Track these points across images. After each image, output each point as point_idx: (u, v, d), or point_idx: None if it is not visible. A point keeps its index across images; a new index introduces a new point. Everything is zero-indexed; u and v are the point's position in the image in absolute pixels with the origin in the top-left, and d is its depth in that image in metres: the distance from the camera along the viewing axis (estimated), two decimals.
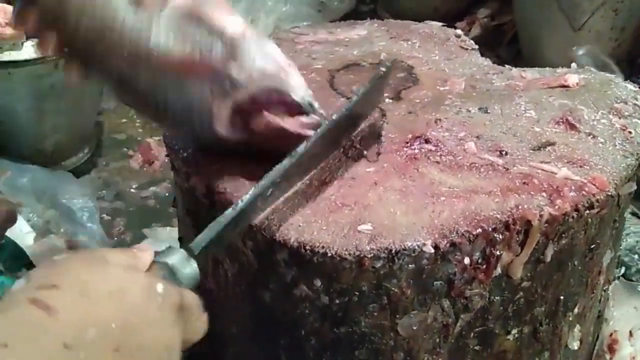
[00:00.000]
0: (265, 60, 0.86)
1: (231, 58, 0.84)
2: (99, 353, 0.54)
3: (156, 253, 0.66)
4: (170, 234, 1.69)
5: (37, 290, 0.55)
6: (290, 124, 0.86)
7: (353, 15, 2.66)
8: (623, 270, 1.24)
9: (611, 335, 1.14)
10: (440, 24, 1.34)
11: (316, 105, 0.88)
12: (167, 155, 1.06)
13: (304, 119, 0.87)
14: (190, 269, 0.67)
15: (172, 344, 0.61)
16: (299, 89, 0.87)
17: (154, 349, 0.58)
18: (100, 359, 0.54)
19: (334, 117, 0.86)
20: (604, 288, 1.05)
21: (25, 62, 1.68)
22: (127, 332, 0.56)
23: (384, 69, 0.95)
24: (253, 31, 0.88)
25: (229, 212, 0.73)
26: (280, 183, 0.79)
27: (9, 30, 1.60)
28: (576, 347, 0.99)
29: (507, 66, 1.17)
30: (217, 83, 0.85)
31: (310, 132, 0.85)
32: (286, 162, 0.79)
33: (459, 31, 1.30)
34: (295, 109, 0.87)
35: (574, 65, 1.17)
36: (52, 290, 0.55)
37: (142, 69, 0.82)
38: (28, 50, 1.69)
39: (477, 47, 1.24)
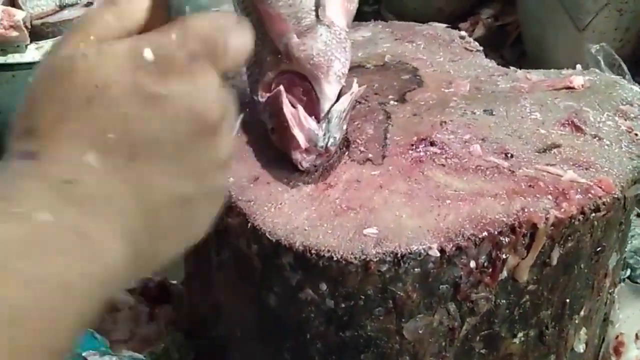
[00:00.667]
0: (322, 46, 0.88)
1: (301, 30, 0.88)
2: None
3: None
4: None
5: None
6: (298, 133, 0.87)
7: (356, 16, 2.65)
8: (629, 272, 1.23)
9: (617, 337, 1.14)
10: (445, 25, 1.33)
11: (333, 124, 0.88)
12: None
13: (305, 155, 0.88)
14: None
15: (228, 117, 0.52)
16: (326, 100, 0.88)
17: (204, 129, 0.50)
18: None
19: None
20: (610, 291, 1.05)
21: (29, 65, 1.68)
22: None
23: None
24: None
25: None
26: None
27: (13, 33, 1.60)
28: (582, 350, 0.99)
29: (512, 68, 1.17)
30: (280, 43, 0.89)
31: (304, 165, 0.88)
32: None
33: (463, 33, 1.29)
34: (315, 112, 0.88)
35: (579, 66, 1.17)
36: (30, 136, 0.48)
37: None
38: (32, 53, 1.69)
39: (481, 48, 1.24)
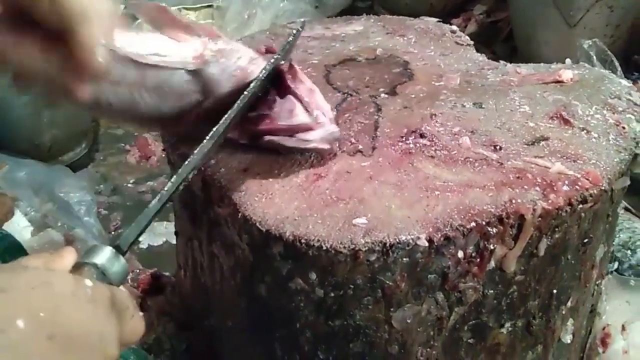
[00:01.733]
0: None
1: None
2: (33, 341, 0.52)
3: (84, 254, 0.65)
4: (167, 228, 1.70)
5: None
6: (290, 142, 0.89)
7: (350, 11, 2.67)
8: (616, 265, 1.25)
9: (604, 329, 1.15)
10: (436, 19, 1.34)
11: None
12: (163, 150, 1.07)
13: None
14: (119, 266, 0.65)
15: (107, 337, 0.58)
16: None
17: (88, 339, 0.56)
18: (35, 347, 0.52)
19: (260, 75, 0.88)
20: (597, 282, 1.06)
21: None
22: (58, 321, 0.55)
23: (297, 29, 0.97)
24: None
25: (154, 205, 0.72)
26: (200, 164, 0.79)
27: None
28: (569, 341, 1.00)
29: (501, 62, 1.17)
30: None
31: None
32: (198, 154, 0.78)
33: (454, 27, 1.30)
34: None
35: (568, 60, 1.18)
36: None
37: None
38: None
39: (472, 42, 1.25)
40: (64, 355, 0.54)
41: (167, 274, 1.45)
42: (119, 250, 0.66)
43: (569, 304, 0.97)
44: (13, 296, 0.55)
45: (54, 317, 0.55)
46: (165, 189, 0.74)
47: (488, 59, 1.20)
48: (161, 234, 1.72)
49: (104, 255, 0.64)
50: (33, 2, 0.71)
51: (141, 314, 0.64)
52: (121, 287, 0.64)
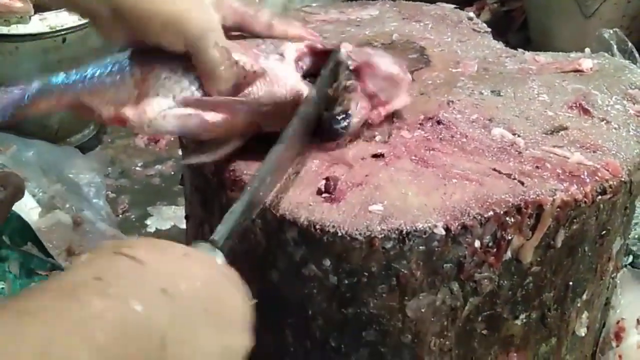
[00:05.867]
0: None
1: None
2: (191, 307, 0.53)
3: None
4: (175, 212, 1.69)
5: (117, 248, 0.54)
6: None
7: None
8: (631, 258, 1.24)
9: (618, 323, 1.14)
10: (453, 5, 1.32)
11: None
12: None
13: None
14: (218, 259, 0.66)
15: (247, 314, 0.60)
16: None
17: (235, 316, 0.58)
18: (192, 314, 0.53)
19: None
20: (613, 275, 1.05)
21: (33, 36, 1.67)
22: (211, 295, 0.56)
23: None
24: None
25: (243, 198, 0.73)
26: (285, 159, 0.80)
27: (17, 4, 1.59)
28: (583, 334, 0.99)
29: (519, 50, 1.16)
30: None
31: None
32: (273, 153, 0.79)
33: (471, 14, 1.29)
34: None
35: (587, 50, 1.16)
36: (133, 248, 0.55)
37: None
38: (36, 25, 1.68)
39: (489, 30, 1.23)
40: (214, 329, 0.55)
41: None
42: (215, 245, 0.66)
43: (584, 296, 0.96)
44: (173, 259, 0.56)
45: (208, 289, 0.56)
46: (253, 181, 0.76)
47: None
48: (169, 217, 1.72)
49: (204, 249, 0.65)
50: (147, 25, 0.80)
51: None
52: None
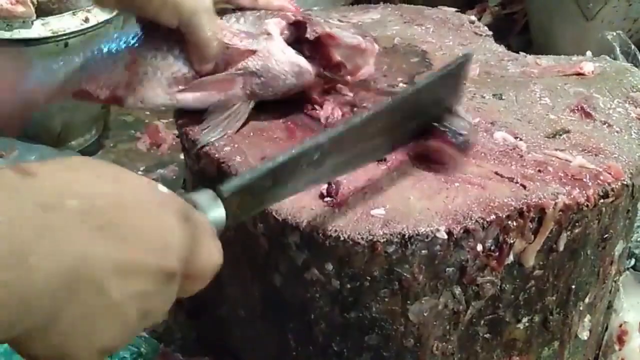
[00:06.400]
0: None
1: None
2: (78, 225, 0.49)
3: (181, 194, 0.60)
4: None
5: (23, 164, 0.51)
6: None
7: (364, 0, 2.64)
8: (633, 262, 1.23)
9: (621, 326, 1.13)
10: (454, 9, 1.32)
11: None
12: (177, 136, 1.06)
13: None
14: (216, 211, 0.60)
15: (169, 249, 0.53)
16: None
17: (145, 243, 0.52)
18: (79, 233, 0.49)
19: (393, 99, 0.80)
20: (615, 279, 1.05)
21: (35, 41, 1.67)
22: (116, 214, 0.51)
23: (459, 61, 0.86)
24: None
25: (267, 164, 0.66)
26: (329, 150, 0.71)
27: (19, 8, 1.59)
28: (586, 337, 0.99)
29: (521, 53, 1.16)
30: None
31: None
32: (338, 128, 0.73)
33: (473, 17, 1.29)
34: None
35: (589, 53, 1.16)
36: (39, 163, 0.51)
37: None
38: (38, 29, 1.68)
39: (491, 33, 1.23)
40: (113, 250, 0.50)
41: None
42: (219, 194, 0.61)
43: (586, 300, 0.96)
44: (77, 177, 0.52)
45: (112, 209, 0.51)
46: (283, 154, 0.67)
47: None
48: None
49: (203, 195, 0.60)
50: (144, 4, 0.86)
51: (219, 245, 0.59)
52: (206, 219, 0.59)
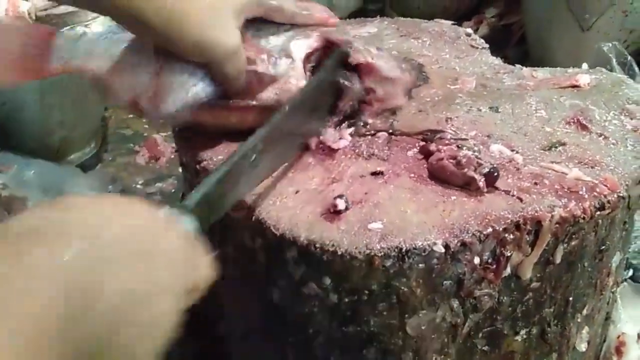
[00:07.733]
0: None
1: None
2: (114, 252, 0.54)
3: None
4: None
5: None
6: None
7: (361, 13, 2.66)
8: (631, 272, 1.24)
9: (619, 337, 1.14)
10: (451, 22, 1.33)
11: None
12: (176, 151, 1.06)
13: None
14: (190, 225, 0.66)
15: (187, 265, 0.60)
16: None
17: (171, 254, 0.59)
18: (114, 258, 0.54)
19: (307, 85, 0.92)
20: (613, 290, 1.05)
21: None
22: (140, 239, 0.57)
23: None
24: None
25: (222, 168, 0.73)
26: (263, 149, 0.80)
27: (17, 24, 1.59)
28: (584, 349, 0.99)
29: (517, 65, 1.16)
30: None
31: None
32: (265, 127, 0.81)
33: (469, 30, 1.29)
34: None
35: (585, 65, 1.17)
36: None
37: None
38: None
39: (487, 46, 1.24)
40: (143, 268, 0.55)
41: None
42: (185, 210, 0.66)
43: (584, 311, 0.96)
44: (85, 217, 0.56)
45: (135, 236, 0.57)
46: (233, 157, 0.75)
47: None
48: None
49: (175, 212, 0.65)
50: (175, 44, 0.84)
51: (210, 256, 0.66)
52: None
